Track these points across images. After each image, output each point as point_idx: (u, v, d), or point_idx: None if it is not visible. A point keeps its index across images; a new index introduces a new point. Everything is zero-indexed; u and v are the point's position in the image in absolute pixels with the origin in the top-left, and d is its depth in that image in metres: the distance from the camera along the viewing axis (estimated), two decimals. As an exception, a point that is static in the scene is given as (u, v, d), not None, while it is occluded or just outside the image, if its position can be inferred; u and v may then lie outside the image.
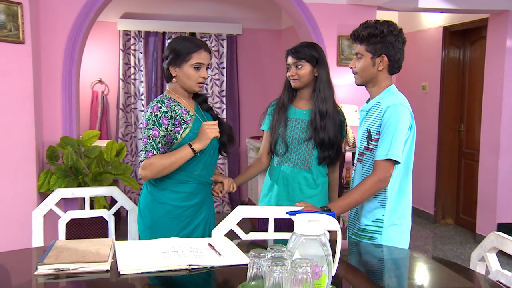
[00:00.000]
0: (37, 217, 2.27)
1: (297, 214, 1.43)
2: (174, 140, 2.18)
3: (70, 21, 3.87)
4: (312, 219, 1.44)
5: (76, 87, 3.99)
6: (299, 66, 2.46)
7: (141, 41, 5.92)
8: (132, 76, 5.94)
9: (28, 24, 3.47)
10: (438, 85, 5.62)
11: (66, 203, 3.59)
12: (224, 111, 6.14)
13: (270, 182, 2.59)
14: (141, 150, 2.14)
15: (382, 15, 6.00)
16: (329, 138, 2.46)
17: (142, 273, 1.62)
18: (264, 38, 6.20)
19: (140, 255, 1.75)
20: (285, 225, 2.32)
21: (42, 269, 1.61)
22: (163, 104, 2.17)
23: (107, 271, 1.63)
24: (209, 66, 2.27)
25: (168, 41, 5.88)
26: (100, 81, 5.94)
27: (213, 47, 6.04)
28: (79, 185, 3.63)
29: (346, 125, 2.61)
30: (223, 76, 6.11)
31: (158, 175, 2.14)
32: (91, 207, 3.92)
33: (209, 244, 1.89)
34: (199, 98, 2.36)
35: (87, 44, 5.76)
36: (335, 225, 1.50)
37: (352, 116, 4.25)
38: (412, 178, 2.22)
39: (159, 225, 2.21)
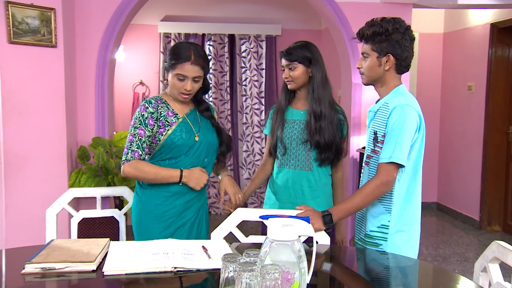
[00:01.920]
0: (50, 216, 2.34)
1: (269, 219, 1.38)
2: (158, 141, 2.19)
3: (103, 25, 3.97)
4: (285, 224, 1.39)
5: (109, 89, 4.10)
6: (292, 68, 2.43)
7: (181, 43, 6.00)
8: (172, 78, 6.03)
9: (61, 28, 3.59)
10: (484, 85, 5.35)
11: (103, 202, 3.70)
12: (263, 113, 6.12)
13: (273, 185, 2.55)
14: (126, 148, 2.16)
15: (423, 14, 5.82)
16: (324, 140, 2.41)
17: (126, 274, 1.62)
18: (304, 39, 6.04)
19: (129, 256, 1.75)
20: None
21: (29, 268, 1.63)
22: (150, 105, 2.19)
23: (93, 271, 1.64)
24: (197, 79, 2.18)
25: (208, 43, 5.96)
26: (141, 83, 6.08)
27: (252, 48, 6.03)
28: (109, 185, 3.72)
29: (347, 124, 2.54)
30: (262, 77, 6.09)
31: (138, 179, 2.20)
32: (122, 206, 4.03)
33: (203, 247, 1.86)
34: (201, 106, 2.33)
35: (129, 47, 5.94)
36: (309, 231, 1.44)
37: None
38: (421, 182, 2.11)
39: (142, 224, 2.23)
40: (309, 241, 2.05)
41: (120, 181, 3.73)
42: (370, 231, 2.10)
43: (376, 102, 2.19)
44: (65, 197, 2.37)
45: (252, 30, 5.99)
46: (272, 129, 2.55)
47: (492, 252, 1.64)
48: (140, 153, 2.15)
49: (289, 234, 1.37)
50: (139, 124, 2.16)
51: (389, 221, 2.06)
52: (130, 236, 2.49)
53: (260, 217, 1.74)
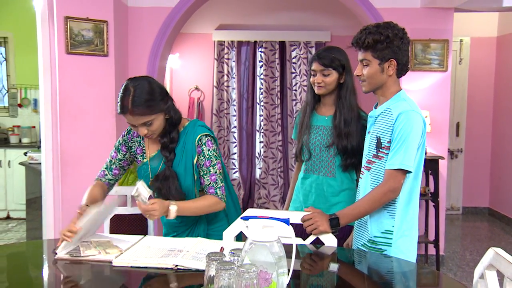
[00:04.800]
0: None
1: (250, 219, 1.49)
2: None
3: (153, 34, 4.26)
4: (266, 225, 1.49)
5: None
6: (326, 74, 2.43)
7: (234, 50, 6.21)
8: (225, 83, 6.25)
9: (112, 38, 3.89)
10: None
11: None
12: (313, 117, 6.20)
13: (299, 190, 2.61)
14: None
15: (475, 18, 5.66)
16: (352, 146, 2.42)
17: (131, 267, 1.78)
18: (354, 44, 6.13)
19: (145, 250, 1.90)
20: (296, 230, 2.35)
21: (61, 254, 1.88)
22: (127, 135, 2.26)
23: (111, 262, 1.81)
24: (148, 122, 2.04)
25: (259, 49, 6.13)
26: (197, 88, 6.35)
27: (301, 54, 6.14)
28: (154, 185, 3.97)
29: None
30: (312, 82, 6.17)
31: None
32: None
33: (221, 248, 1.87)
34: (162, 139, 2.17)
35: (185, 55, 6.23)
36: (289, 233, 1.53)
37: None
38: (420, 185, 2.14)
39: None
40: (316, 242, 2.14)
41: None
42: (374, 236, 2.12)
43: (374, 107, 2.21)
44: (99, 194, 2.60)
45: (302, 37, 6.09)
46: (298, 134, 2.60)
47: (488, 259, 1.63)
48: (106, 173, 2.26)
49: (268, 235, 1.45)
50: (114, 147, 2.27)
51: (393, 226, 2.08)
52: (159, 233, 2.69)
53: (242, 218, 1.82)
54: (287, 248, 1.47)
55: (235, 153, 6.36)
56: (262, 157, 6.33)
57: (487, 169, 6.25)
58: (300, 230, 2.21)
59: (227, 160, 6.35)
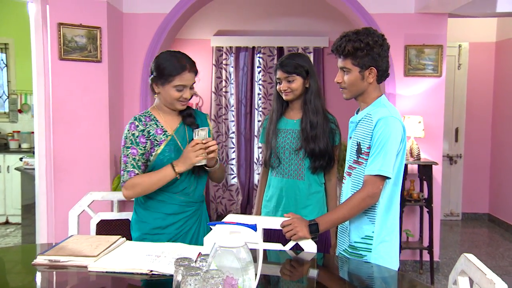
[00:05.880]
0: (72, 217, 2.58)
1: (216, 225, 1.49)
2: (149, 161, 2.22)
3: (148, 39, 4.28)
4: (233, 231, 1.49)
5: (152, 99, 4.38)
6: (291, 80, 2.48)
7: (232, 56, 6.23)
8: (224, 89, 6.27)
9: (106, 44, 3.91)
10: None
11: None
12: (311, 123, 6.19)
13: (268, 193, 2.64)
14: (122, 170, 2.19)
15: (474, 23, 5.64)
16: (319, 148, 2.47)
17: (106, 272, 1.77)
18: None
19: (122, 255, 1.89)
20: (276, 235, 2.35)
21: (40, 259, 1.85)
22: (140, 123, 2.22)
23: (87, 266, 1.80)
24: (192, 85, 2.22)
25: (258, 55, 6.14)
26: (195, 94, 6.36)
27: (300, 59, 6.13)
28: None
29: (339, 132, 2.58)
30: (310, 88, 6.16)
31: (141, 194, 2.20)
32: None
33: (199, 253, 1.85)
34: (183, 112, 2.30)
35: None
36: (256, 238, 1.52)
37: (415, 127, 4.06)
38: (400, 191, 2.13)
39: (145, 240, 2.28)
40: (297, 248, 2.13)
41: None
42: (354, 242, 2.12)
43: (356, 112, 2.21)
44: (85, 200, 2.61)
45: (300, 43, 6.10)
46: (266, 140, 2.63)
47: (460, 265, 1.63)
48: (137, 172, 2.17)
49: (234, 241, 1.45)
50: (131, 144, 2.19)
51: (373, 232, 2.08)
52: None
53: (208, 224, 1.82)
54: (256, 253, 1.47)
55: (234, 158, 6.37)
56: (261, 162, 6.33)
57: (487, 175, 6.22)
58: (279, 236, 2.21)
59: (226, 165, 6.35)
